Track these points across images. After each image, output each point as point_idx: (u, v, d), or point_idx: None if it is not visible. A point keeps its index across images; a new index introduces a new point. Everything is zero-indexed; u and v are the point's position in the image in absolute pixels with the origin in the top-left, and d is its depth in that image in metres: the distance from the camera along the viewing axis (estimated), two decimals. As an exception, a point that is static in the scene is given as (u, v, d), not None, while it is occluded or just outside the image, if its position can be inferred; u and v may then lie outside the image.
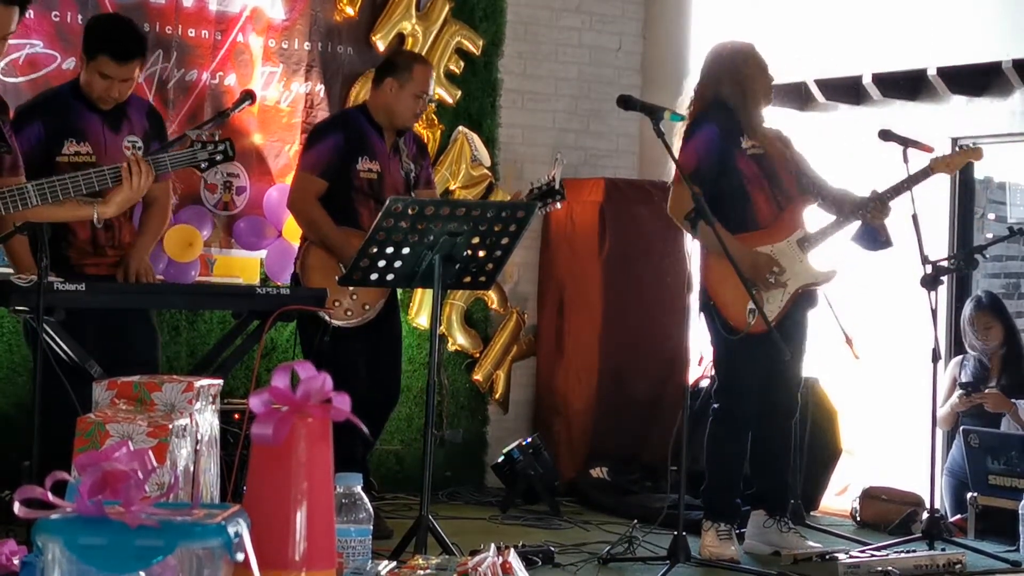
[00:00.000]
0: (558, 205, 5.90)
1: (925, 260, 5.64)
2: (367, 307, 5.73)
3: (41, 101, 5.45)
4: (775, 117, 7.12)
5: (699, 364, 6.86)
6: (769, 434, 5.57)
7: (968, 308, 6.67)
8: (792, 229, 5.51)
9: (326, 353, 5.44)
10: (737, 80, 5.51)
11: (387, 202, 4.69)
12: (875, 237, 5.62)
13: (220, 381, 3.98)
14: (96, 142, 5.18)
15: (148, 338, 5.44)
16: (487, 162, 7.31)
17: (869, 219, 5.51)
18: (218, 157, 4.97)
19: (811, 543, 5.55)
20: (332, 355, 5.39)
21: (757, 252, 5.43)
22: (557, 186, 5.83)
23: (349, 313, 5.69)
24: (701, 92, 5.58)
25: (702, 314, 5.49)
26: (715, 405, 5.57)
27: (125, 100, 5.33)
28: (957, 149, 5.64)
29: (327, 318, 5.31)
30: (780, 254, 5.46)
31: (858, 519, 6.39)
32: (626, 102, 5.25)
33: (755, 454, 5.59)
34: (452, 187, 7.19)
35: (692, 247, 5.36)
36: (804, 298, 5.55)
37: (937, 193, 6.78)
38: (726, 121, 5.48)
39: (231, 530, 1.91)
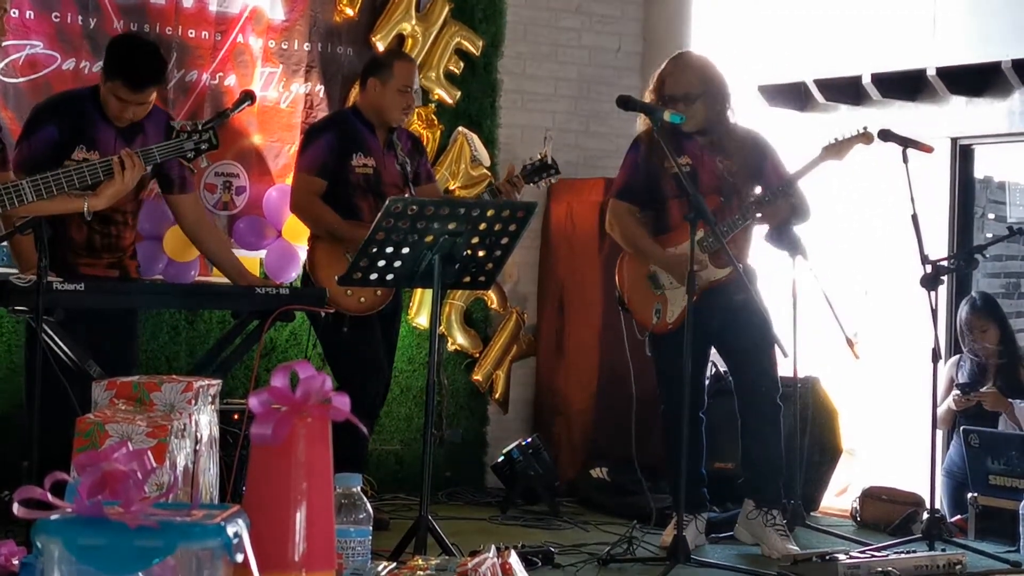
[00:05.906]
0: (553, 180, 6.05)
1: (925, 260, 5.63)
2: (378, 292, 5.76)
3: (60, 102, 5.44)
4: (773, 119, 7.14)
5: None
6: (748, 422, 5.62)
7: (963, 310, 6.66)
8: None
9: (345, 343, 5.60)
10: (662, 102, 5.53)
11: (387, 202, 4.69)
12: (779, 237, 5.64)
13: (219, 381, 3.99)
14: (106, 151, 5.15)
15: (132, 343, 5.52)
16: (487, 162, 7.31)
17: (763, 211, 5.55)
18: (204, 146, 4.97)
19: (791, 547, 5.43)
20: (352, 344, 5.65)
21: (671, 254, 5.54)
22: (550, 161, 5.95)
23: (363, 300, 5.74)
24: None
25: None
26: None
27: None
28: (854, 132, 5.66)
29: (339, 311, 5.57)
30: (683, 254, 5.33)
31: (858, 519, 6.37)
32: (626, 103, 5.27)
33: (742, 444, 5.67)
34: (452, 187, 7.19)
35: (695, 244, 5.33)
36: (728, 288, 5.52)
37: (937, 193, 6.78)
38: (657, 140, 5.42)
39: (230, 531, 1.91)
